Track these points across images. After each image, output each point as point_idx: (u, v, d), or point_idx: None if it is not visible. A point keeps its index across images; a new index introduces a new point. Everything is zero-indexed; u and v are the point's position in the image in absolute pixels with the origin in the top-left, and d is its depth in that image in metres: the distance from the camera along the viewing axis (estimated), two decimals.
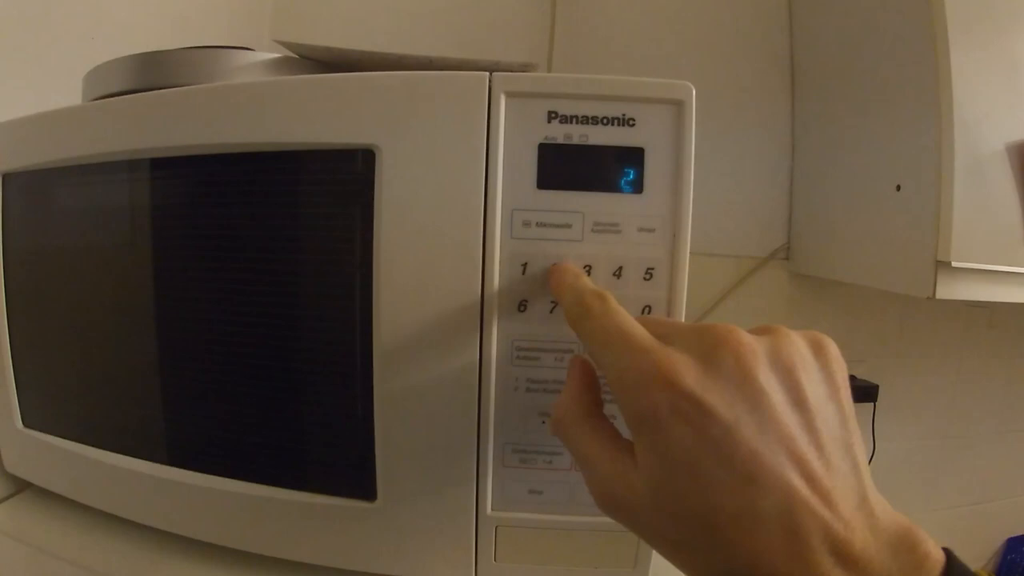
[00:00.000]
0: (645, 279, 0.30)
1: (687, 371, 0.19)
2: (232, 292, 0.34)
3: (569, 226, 0.30)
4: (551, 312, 0.30)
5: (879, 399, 0.88)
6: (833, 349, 0.22)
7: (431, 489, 0.32)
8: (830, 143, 0.78)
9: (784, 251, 0.86)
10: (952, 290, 0.60)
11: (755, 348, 0.20)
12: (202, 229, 0.35)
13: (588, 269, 0.30)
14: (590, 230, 0.29)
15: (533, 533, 0.33)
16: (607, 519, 0.32)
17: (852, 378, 0.88)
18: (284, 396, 0.34)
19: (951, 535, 1.04)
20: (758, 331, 0.22)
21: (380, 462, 0.32)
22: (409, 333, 0.30)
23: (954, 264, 0.58)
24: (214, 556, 0.37)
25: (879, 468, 0.92)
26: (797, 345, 0.21)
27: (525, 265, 0.30)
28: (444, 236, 0.30)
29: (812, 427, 0.19)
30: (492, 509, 0.32)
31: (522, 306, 0.30)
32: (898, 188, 0.64)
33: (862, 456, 0.20)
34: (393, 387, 0.31)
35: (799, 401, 0.20)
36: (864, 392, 0.87)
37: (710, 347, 0.20)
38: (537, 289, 0.30)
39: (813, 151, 0.82)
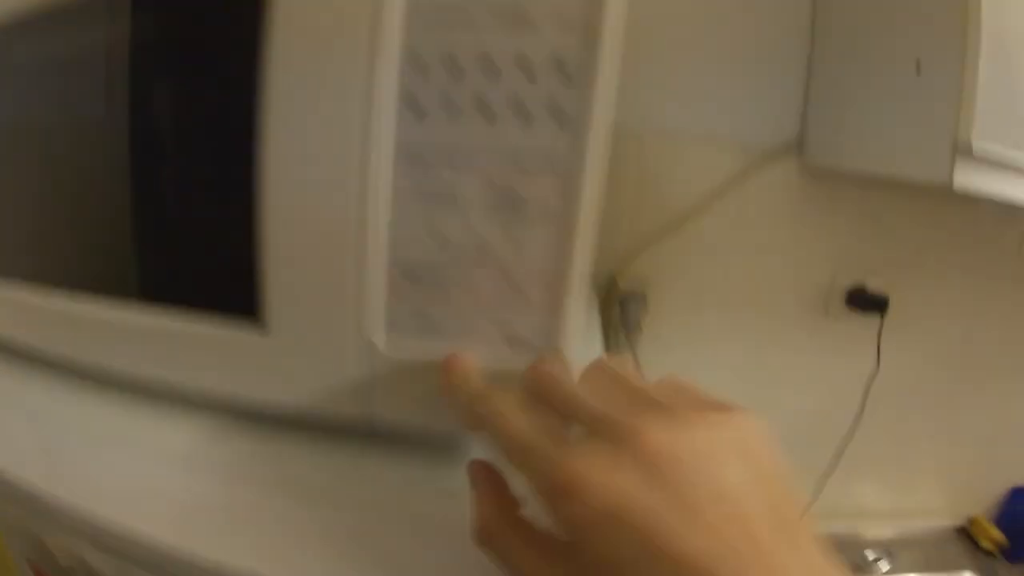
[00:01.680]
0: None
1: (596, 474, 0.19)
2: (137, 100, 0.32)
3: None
4: (449, 119, 0.27)
5: (888, 314, 0.82)
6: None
7: (320, 310, 0.30)
8: (850, 24, 0.70)
9: (797, 142, 0.79)
10: (970, 178, 0.54)
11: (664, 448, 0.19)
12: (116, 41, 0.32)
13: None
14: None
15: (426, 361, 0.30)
16: None
17: (862, 289, 0.82)
18: (175, 214, 0.32)
19: (953, 475, 0.96)
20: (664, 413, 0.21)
21: (269, 280, 0.30)
22: (296, 132, 0.27)
23: (974, 143, 0.52)
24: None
25: (882, 390, 0.84)
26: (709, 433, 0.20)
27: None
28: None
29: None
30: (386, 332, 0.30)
31: (417, 110, 0.27)
32: (918, 66, 0.57)
33: None
34: (280, 199, 0.28)
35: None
36: (872, 303, 0.81)
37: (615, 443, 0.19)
38: (433, 92, 0.26)
39: (833, 33, 0.74)
